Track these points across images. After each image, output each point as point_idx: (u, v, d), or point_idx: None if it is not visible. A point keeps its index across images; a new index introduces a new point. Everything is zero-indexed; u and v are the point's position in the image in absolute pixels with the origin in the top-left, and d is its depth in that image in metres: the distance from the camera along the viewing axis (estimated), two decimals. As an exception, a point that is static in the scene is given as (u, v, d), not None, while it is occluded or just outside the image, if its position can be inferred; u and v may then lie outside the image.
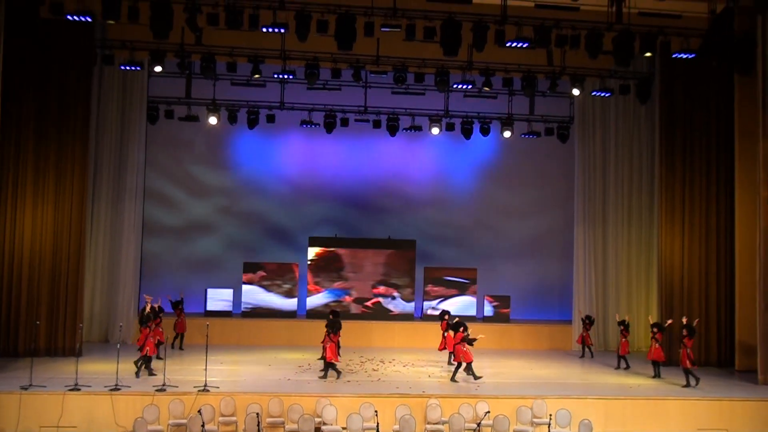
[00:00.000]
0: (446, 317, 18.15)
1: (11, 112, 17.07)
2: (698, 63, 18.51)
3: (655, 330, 17.08)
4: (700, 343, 18.89)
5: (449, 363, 17.65)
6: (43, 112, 17.81)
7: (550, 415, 13.64)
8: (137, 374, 15.45)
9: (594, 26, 17.02)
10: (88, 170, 18.70)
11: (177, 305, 19.23)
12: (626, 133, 21.52)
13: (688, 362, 16.18)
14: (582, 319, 19.99)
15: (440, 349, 18.21)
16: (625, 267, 21.34)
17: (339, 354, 16.38)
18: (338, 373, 16.06)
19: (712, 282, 19.14)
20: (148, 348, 15.57)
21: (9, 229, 17.46)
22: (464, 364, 16.22)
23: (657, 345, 16.99)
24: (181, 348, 18.97)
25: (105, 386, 14.33)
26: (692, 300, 19.05)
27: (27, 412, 13.67)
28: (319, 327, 20.70)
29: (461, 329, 16.30)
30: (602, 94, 20.08)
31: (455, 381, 15.97)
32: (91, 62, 18.43)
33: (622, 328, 18.39)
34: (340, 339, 16.63)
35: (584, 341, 19.72)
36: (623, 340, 18.23)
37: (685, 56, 17.56)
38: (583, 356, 19.60)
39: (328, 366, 16.07)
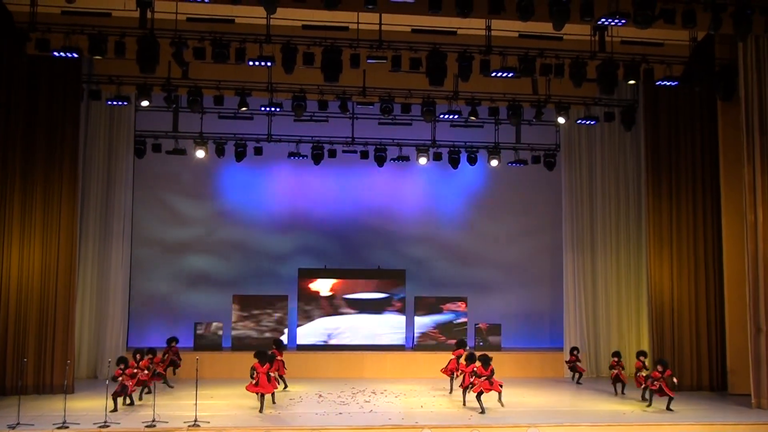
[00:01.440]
0: (465, 349, 18.09)
1: (-2, 147, 17.05)
2: (681, 90, 18.78)
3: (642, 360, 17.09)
4: (692, 369, 18.92)
5: (451, 392, 17.82)
6: (30, 149, 17.76)
7: (544, 443, 13.57)
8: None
9: (578, 55, 17.25)
10: (77, 207, 18.58)
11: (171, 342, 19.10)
12: (612, 160, 21.68)
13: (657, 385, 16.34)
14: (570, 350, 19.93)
15: (444, 372, 18.22)
16: (614, 293, 21.37)
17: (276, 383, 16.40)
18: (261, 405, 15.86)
19: (702, 306, 19.19)
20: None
21: (-5, 266, 17.34)
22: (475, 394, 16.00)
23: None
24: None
25: (94, 423, 14.14)
26: (682, 324, 19.09)
27: (14, 451, 13.49)
28: (311, 359, 20.74)
29: (476, 361, 16.20)
30: (587, 122, 20.27)
31: (483, 412, 15.70)
32: (78, 98, 18.43)
33: (615, 359, 18.27)
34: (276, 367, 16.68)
35: (575, 367, 19.67)
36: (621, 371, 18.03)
37: (668, 83, 17.82)
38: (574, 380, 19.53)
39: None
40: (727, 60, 17.95)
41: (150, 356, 16.99)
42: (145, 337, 21.67)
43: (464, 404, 16.48)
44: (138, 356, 16.48)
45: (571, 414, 15.94)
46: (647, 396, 16.77)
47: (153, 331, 21.90)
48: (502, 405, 15.90)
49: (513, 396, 17.21)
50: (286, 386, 18.13)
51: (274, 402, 16.41)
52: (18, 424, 14.00)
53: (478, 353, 16.90)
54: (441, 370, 18.41)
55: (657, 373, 16.45)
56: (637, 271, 21.26)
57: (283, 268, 22.64)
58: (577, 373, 19.68)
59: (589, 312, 21.34)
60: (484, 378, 15.93)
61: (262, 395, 15.86)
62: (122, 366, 15.90)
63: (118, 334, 20.05)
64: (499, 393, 15.99)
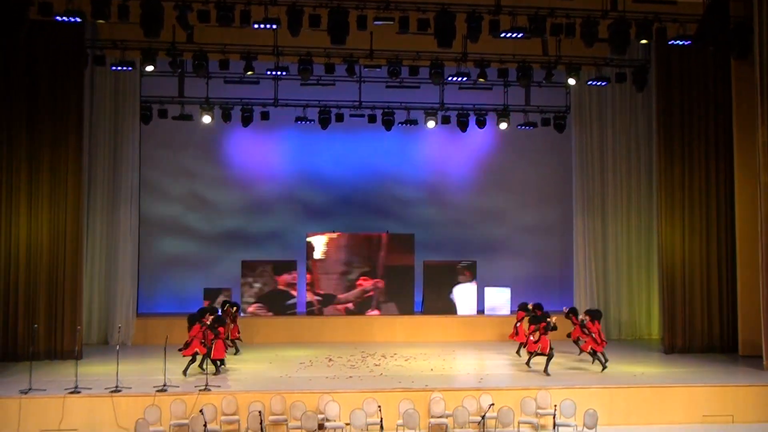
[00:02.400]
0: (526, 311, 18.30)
1: (2, 116, 16.91)
2: (695, 49, 18.42)
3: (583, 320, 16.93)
4: (702, 331, 18.87)
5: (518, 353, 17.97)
6: (35, 116, 17.64)
7: (555, 405, 13.56)
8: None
9: (589, 14, 16.87)
10: (83, 172, 18.55)
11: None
12: (623, 122, 21.41)
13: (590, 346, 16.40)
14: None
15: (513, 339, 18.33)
16: (625, 255, 21.24)
17: (225, 349, 16.25)
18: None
19: (713, 268, 19.06)
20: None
21: (4, 233, 17.32)
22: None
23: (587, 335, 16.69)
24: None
25: (105, 388, 14.22)
26: (694, 287, 18.99)
27: (27, 416, 13.55)
28: (319, 323, 20.76)
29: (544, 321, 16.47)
30: (598, 83, 19.97)
31: (548, 374, 15.90)
32: (82, 63, 18.26)
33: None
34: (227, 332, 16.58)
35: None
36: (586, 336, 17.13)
37: (681, 43, 17.44)
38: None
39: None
40: (741, 17, 17.53)
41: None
42: (156, 303, 21.75)
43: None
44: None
45: (581, 377, 15.92)
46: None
47: (163, 297, 21.96)
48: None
49: (522, 360, 17.18)
50: (237, 351, 17.56)
51: (217, 369, 15.82)
52: (30, 389, 14.08)
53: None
54: (510, 336, 18.43)
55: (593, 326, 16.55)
56: (648, 234, 21.13)
57: (291, 232, 22.56)
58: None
59: (599, 275, 21.25)
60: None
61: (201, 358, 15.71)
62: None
63: (128, 300, 20.07)
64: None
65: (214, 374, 15.41)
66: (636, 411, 14.62)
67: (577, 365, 17.10)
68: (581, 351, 17.02)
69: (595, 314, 17.05)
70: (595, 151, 21.47)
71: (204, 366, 15.60)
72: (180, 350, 15.63)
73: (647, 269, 21.21)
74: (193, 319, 16.13)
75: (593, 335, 16.53)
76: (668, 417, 14.62)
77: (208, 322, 15.88)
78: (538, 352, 16.28)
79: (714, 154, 19.18)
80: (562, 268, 22.73)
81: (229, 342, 17.27)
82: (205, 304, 19.37)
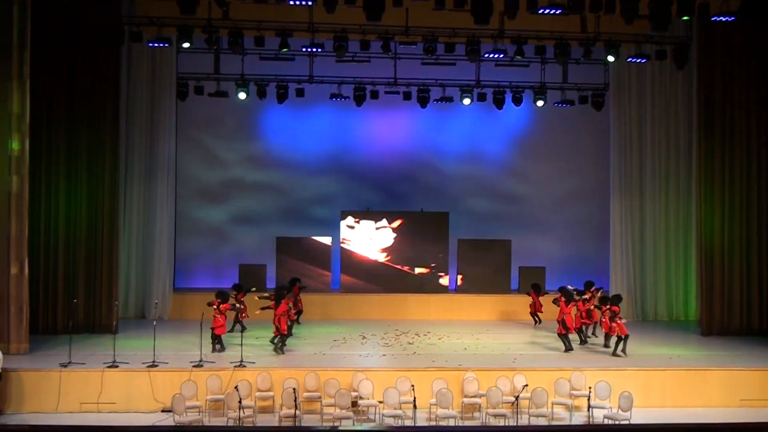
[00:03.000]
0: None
1: (41, 93, 17.05)
2: (738, 25, 17.96)
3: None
4: (741, 313, 18.60)
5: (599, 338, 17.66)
6: (74, 93, 17.82)
7: (590, 387, 13.48)
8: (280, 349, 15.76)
9: (630, -11, 16.53)
10: (120, 148, 18.75)
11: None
12: (663, 101, 21.01)
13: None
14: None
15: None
16: (662, 236, 20.94)
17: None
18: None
19: (753, 250, 18.72)
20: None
21: (44, 209, 17.55)
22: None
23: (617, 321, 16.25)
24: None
25: (143, 363, 14.44)
26: (732, 268, 18.69)
27: (67, 390, 13.86)
28: (354, 301, 20.81)
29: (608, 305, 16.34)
30: (638, 61, 19.60)
31: (618, 355, 15.82)
32: (119, 40, 18.37)
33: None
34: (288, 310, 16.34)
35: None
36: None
37: (724, 19, 16.99)
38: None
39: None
40: (788, -7, 17.10)
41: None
42: (192, 278, 21.99)
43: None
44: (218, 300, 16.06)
45: (618, 358, 15.79)
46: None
47: (199, 272, 22.19)
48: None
49: (558, 340, 17.09)
50: (244, 329, 17.20)
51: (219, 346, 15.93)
52: (70, 362, 14.35)
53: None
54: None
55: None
56: (687, 214, 20.81)
57: (325, 209, 22.60)
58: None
59: (636, 255, 21.00)
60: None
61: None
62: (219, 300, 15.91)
63: (165, 275, 20.31)
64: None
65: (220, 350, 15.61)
66: (672, 393, 14.50)
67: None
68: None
69: (567, 295, 16.77)
70: (633, 129, 21.13)
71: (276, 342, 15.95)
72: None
73: (685, 249, 20.91)
74: (281, 295, 16.16)
75: (565, 316, 16.35)
76: (705, 400, 14.48)
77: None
78: (618, 335, 15.98)
79: (756, 133, 18.78)
80: (598, 247, 22.49)
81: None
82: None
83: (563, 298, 16.60)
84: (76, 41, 17.80)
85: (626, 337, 15.91)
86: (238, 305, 17.31)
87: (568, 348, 16.33)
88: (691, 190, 20.47)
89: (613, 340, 16.20)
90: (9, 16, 15.30)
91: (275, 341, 15.95)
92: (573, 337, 16.73)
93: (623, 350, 15.87)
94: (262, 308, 16.22)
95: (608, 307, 16.29)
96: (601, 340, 17.12)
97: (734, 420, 13.24)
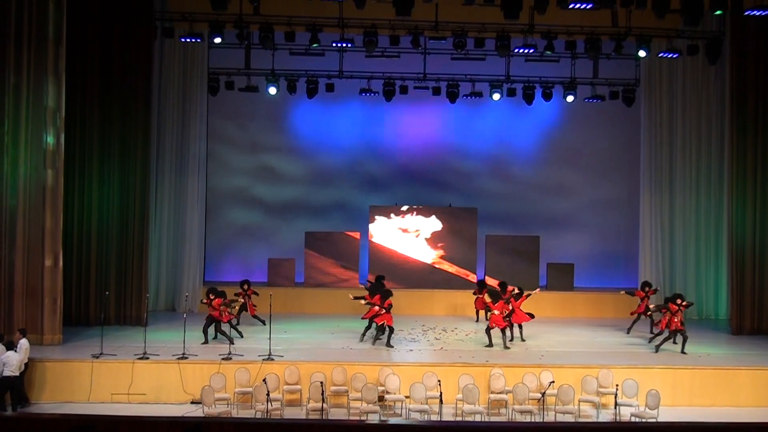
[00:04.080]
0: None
1: (76, 86, 17.33)
2: (773, 20, 17.71)
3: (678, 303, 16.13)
4: (770, 314, 18.40)
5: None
6: (107, 86, 18.06)
7: (617, 385, 13.39)
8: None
9: (662, -16, 16.38)
10: (152, 142, 18.98)
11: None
12: (695, 96, 20.78)
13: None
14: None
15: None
16: (693, 233, 20.74)
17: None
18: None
19: (786, 249, 18.47)
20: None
21: (77, 202, 17.82)
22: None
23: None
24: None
25: (173, 355, 14.65)
26: (764, 267, 18.44)
27: (99, 380, 14.10)
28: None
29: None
30: (670, 56, 19.39)
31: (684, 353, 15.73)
32: (151, 35, 18.58)
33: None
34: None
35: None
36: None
37: (758, 13, 16.74)
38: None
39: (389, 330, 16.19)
40: (825, -13, 16.81)
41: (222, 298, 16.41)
42: (222, 271, 22.22)
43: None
44: (211, 296, 16.19)
45: (644, 356, 15.71)
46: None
47: (229, 266, 22.44)
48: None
49: (585, 337, 17.07)
50: (263, 322, 17.24)
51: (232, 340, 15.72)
52: (101, 354, 14.60)
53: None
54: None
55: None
56: (718, 212, 20.58)
57: (355, 204, 22.70)
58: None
59: (666, 252, 20.83)
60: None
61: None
62: (211, 296, 16.07)
63: (195, 268, 20.55)
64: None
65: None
66: (700, 393, 14.40)
67: (640, 344, 16.86)
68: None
69: (494, 294, 16.79)
70: (664, 125, 20.94)
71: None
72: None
73: (716, 248, 20.70)
74: (385, 291, 16.57)
75: (495, 312, 16.33)
76: (734, 399, 14.36)
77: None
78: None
79: (790, 130, 18.49)
80: (627, 244, 22.36)
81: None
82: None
83: (489, 296, 16.81)
84: (111, 37, 18.02)
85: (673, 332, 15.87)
86: (237, 300, 17.11)
87: (488, 344, 16.25)
88: (722, 187, 20.25)
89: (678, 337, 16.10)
90: (45, 12, 15.53)
91: (380, 336, 16.19)
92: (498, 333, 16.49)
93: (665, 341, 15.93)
94: (365, 302, 16.73)
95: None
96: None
97: (764, 420, 13.08)
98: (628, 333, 17.94)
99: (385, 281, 18.66)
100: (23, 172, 15.54)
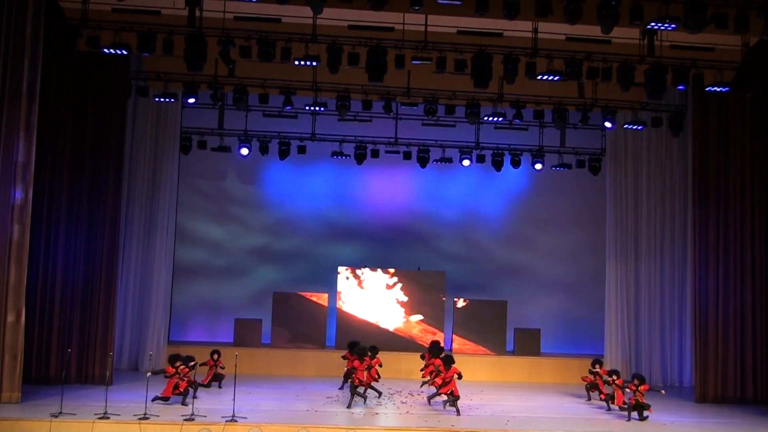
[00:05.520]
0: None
1: (47, 141, 17.34)
2: (732, 96, 18.36)
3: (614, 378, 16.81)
4: (736, 381, 18.53)
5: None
6: (79, 142, 18.06)
7: (582, 452, 13.40)
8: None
9: (626, 59, 16.99)
10: (122, 198, 18.93)
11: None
12: (659, 167, 21.28)
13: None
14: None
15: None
16: (657, 302, 20.96)
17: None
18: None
19: (748, 319, 18.66)
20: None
21: (43, 257, 17.63)
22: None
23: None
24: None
25: (134, 415, 14.38)
26: (728, 336, 18.61)
27: (56, 440, 13.75)
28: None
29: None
30: (634, 127, 19.91)
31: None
32: (125, 94, 18.72)
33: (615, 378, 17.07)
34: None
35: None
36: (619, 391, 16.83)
37: (718, 89, 17.40)
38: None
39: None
40: (781, 66, 17.51)
41: (192, 363, 16.26)
42: (187, 332, 22.00)
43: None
44: (178, 364, 15.94)
45: (609, 423, 15.72)
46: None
47: (194, 326, 22.23)
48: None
49: (550, 402, 17.03)
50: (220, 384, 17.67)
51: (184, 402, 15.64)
52: (61, 413, 14.28)
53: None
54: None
55: (633, 386, 16.21)
56: (682, 281, 20.87)
57: (324, 266, 22.71)
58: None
59: (631, 320, 21.00)
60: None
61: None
62: (179, 364, 15.86)
63: (160, 327, 20.28)
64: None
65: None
66: (665, 461, 14.40)
67: (604, 411, 16.88)
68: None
69: (360, 351, 17.07)
70: (629, 194, 21.36)
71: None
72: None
73: (680, 316, 20.91)
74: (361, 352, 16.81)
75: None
76: (698, 468, 14.37)
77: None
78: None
79: (750, 203, 18.91)
80: (594, 310, 22.51)
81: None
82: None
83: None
84: (85, 93, 18.12)
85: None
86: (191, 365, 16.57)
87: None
88: (686, 255, 20.60)
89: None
90: (20, 68, 15.64)
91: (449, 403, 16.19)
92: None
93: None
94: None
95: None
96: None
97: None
98: (588, 400, 18.00)
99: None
100: (-11, 226, 15.41)
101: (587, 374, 18.28)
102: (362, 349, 17.09)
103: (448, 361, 16.57)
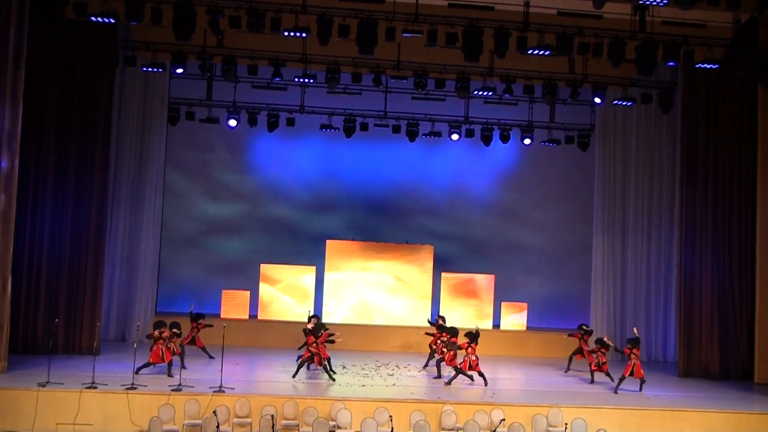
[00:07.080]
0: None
1: (34, 109, 17.17)
2: (722, 73, 18.36)
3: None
4: (721, 356, 18.74)
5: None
6: (66, 111, 17.94)
7: (566, 424, 13.56)
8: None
9: (617, 34, 16.93)
10: (109, 169, 18.83)
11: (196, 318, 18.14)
12: (647, 143, 21.34)
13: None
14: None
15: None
16: (643, 277, 21.14)
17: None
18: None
19: (732, 294, 18.90)
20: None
21: (29, 226, 17.53)
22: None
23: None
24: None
25: (121, 385, 14.42)
26: (712, 311, 18.85)
27: (44, 410, 13.78)
28: (334, 331, 20.77)
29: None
30: (624, 103, 19.91)
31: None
32: (113, 63, 18.56)
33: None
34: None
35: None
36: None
37: (708, 66, 17.38)
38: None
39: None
40: (770, 44, 17.52)
41: (175, 330, 16.37)
42: (174, 303, 21.94)
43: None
44: (162, 329, 15.90)
45: (594, 396, 15.90)
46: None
47: (182, 297, 22.12)
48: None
49: (536, 376, 17.19)
50: (211, 356, 17.46)
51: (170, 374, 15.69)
52: (48, 382, 14.30)
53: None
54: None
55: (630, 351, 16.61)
56: (668, 256, 21.03)
57: (312, 238, 22.70)
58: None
59: (617, 294, 21.18)
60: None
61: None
62: (162, 330, 15.83)
63: (147, 298, 20.31)
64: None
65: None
66: (648, 433, 14.59)
67: (589, 384, 17.05)
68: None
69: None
70: (617, 170, 21.43)
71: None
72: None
73: (665, 291, 21.11)
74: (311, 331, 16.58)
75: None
76: (680, 440, 14.58)
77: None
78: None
79: (737, 179, 19.06)
80: (580, 285, 22.65)
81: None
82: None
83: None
84: (73, 62, 17.97)
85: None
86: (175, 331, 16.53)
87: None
88: (672, 231, 20.72)
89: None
90: (6, 36, 15.44)
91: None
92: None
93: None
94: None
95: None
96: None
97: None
98: (566, 372, 18.24)
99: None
100: (-25, 195, 15.30)
101: (576, 331, 18.45)
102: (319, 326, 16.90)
103: (454, 333, 16.80)
